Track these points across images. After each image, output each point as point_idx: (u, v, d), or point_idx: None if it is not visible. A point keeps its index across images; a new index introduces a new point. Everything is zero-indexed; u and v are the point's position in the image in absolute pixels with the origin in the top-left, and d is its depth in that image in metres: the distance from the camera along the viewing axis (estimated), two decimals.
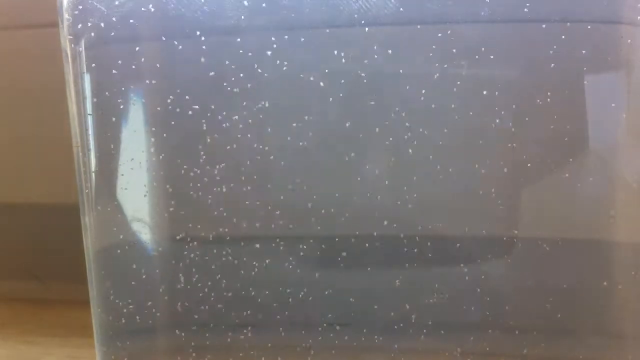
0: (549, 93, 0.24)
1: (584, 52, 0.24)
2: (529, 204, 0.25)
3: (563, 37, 0.24)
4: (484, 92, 0.25)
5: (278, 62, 0.25)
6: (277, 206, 0.26)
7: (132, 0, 0.25)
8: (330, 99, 0.25)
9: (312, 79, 0.25)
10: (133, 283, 0.27)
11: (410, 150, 0.25)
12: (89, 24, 0.25)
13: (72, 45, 0.25)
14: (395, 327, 0.26)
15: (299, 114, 0.25)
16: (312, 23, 0.25)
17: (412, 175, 0.25)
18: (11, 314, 0.44)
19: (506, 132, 0.25)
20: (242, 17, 0.25)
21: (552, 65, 0.24)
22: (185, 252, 0.26)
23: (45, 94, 0.37)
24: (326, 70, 0.25)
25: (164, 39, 0.25)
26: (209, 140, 0.26)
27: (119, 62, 0.25)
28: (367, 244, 0.26)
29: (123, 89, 0.26)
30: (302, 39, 0.25)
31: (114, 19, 0.25)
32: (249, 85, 0.25)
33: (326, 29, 0.25)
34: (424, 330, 0.26)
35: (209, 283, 0.27)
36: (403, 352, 0.26)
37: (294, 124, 0.25)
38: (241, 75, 0.25)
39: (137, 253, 0.27)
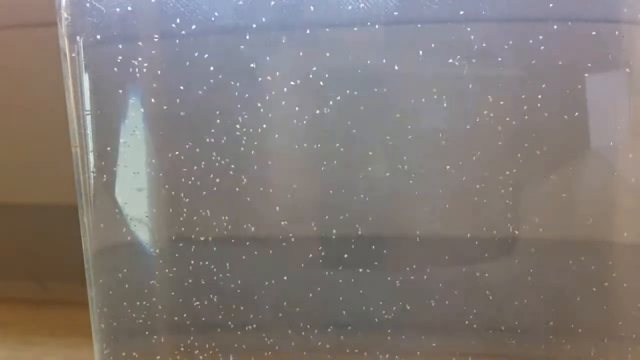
0: (549, 93, 0.24)
1: (584, 51, 0.24)
2: (529, 204, 0.25)
3: (563, 36, 0.24)
4: (484, 92, 0.24)
5: (278, 61, 0.25)
6: (277, 206, 0.26)
7: None
8: (331, 98, 0.25)
9: (311, 78, 0.25)
10: (132, 283, 0.27)
11: (410, 150, 0.25)
12: (88, 23, 0.25)
13: (71, 45, 0.25)
14: (396, 327, 0.26)
15: (299, 114, 0.25)
16: (312, 23, 0.25)
17: (413, 175, 0.25)
18: (11, 314, 0.44)
19: (506, 131, 0.25)
20: (242, 17, 0.25)
21: (552, 65, 0.24)
22: (185, 252, 0.26)
23: (44, 93, 0.37)
24: (326, 70, 0.25)
25: (163, 38, 0.25)
26: (208, 140, 0.26)
27: (118, 61, 0.25)
28: (367, 244, 0.26)
29: (122, 88, 0.25)
30: (302, 39, 0.25)
31: (112, 18, 0.25)
32: (248, 85, 0.25)
33: (326, 29, 0.25)
34: (424, 331, 0.26)
35: (208, 283, 0.26)
36: (403, 353, 0.26)
37: (294, 124, 0.25)
38: (241, 75, 0.25)
39: (136, 253, 0.27)
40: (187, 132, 0.26)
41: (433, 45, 0.24)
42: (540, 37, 0.24)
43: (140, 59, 0.25)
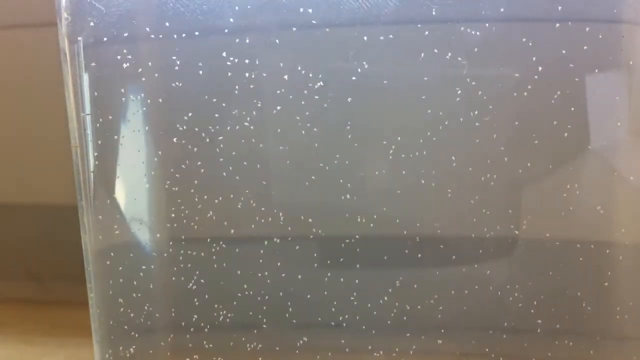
0: (549, 93, 0.24)
1: (584, 51, 0.24)
2: (529, 204, 0.25)
3: (563, 36, 0.24)
4: (484, 92, 0.24)
5: (277, 61, 0.25)
6: (278, 206, 0.26)
7: None
8: (330, 98, 0.25)
9: (312, 78, 0.25)
10: (132, 283, 0.27)
11: (410, 150, 0.25)
12: (88, 24, 0.25)
13: (71, 45, 0.25)
14: (396, 327, 0.26)
15: (298, 114, 0.25)
16: (312, 23, 0.25)
17: (413, 175, 0.25)
18: (11, 314, 0.44)
19: (506, 131, 0.25)
20: (242, 16, 0.25)
21: (553, 65, 0.24)
22: (185, 252, 0.26)
23: (44, 93, 0.37)
24: (326, 70, 0.25)
25: (163, 38, 0.25)
26: (208, 140, 0.26)
27: (118, 61, 0.25)
28: (367, 244, 0.26)
29: (122, 88, 0.25)
30: (302, 39, 0.25)
31: (113, 18, 0.25)
32: (248, 84, 0.25)
33: (326, 29, 0.25)
34: (424, 331, 0.26)
35: (209, 283, 0.26)
36: (403, 353, 0.26)
37: (294, 124, 0.25)
38: (241, 75, 0.25)
39: (136, 253, 0.27)
40: (186, 131, 0.26)
41: (433, 45, 0.24)
42: (540, 37, 0.24)
43: (140, 59, 0.25)
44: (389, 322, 0.26)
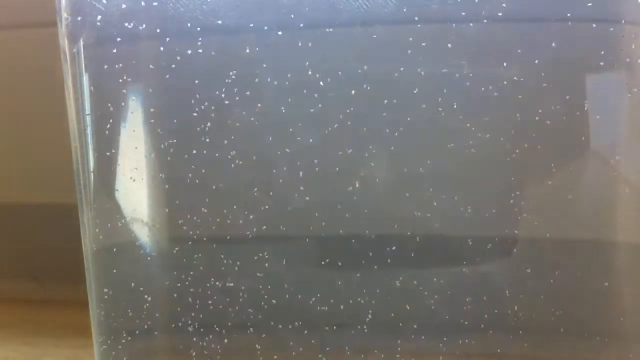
0: (549, 92, 0.24)
1: (584, 51, 0.24)
2: (529, 204, 0.25)
3: (563, 36, 0.24)
4: (484, 92, 0.24)
5: (278, 62, 0.25)
6: (278, 206, 0.26)
7: None
8: (331, 98, 0.25)
9: (312, 78, 0.25)
10: (132, 283, 0.27)
11: (410, 150, 0.25)
12: (88, 24, 0.25)
13: (71, 45, 0.25)
14: (395, 327, 0.26)
15: (299, 114, 0.25)
16: (312, 23, 0.25)
17: (413, 175, 0.25)
18: (11, 315, 0.44)
19: (506, 131, 0.25)
20: (242, 16, 0.25)
21: (553, 65, 0.24)
22: (184, 252, 0.26)
23: (44, 93, 0.37)
24: (326, 70, 0.25)
25: (163, 38, 0.25)
26: (208, 140, 0.26)
27: (118, 61, 0.25)
28: (367, 244, 0.26)
29: (122, 88, 0.26)
30: (303, 39, 0.25)
31: (113, 18, 0.25)
32: (248, 85, 0.25)
33: (326, 29, 0.25)
34: (424, 331, 0.26)
35: (208, 283, 0.26)
36: (403, 353, 0.26)
37: (294, 124, 0.25)
38: (241, 75, 0.25)
39: (135, 253, 0.27)
40: (186, 131, 0.26)
41: (433, 44, 0.24)
42: (540, 37, 0.24)
43: (140, 58, 0.25)
44: (388, 322, 0.26)
